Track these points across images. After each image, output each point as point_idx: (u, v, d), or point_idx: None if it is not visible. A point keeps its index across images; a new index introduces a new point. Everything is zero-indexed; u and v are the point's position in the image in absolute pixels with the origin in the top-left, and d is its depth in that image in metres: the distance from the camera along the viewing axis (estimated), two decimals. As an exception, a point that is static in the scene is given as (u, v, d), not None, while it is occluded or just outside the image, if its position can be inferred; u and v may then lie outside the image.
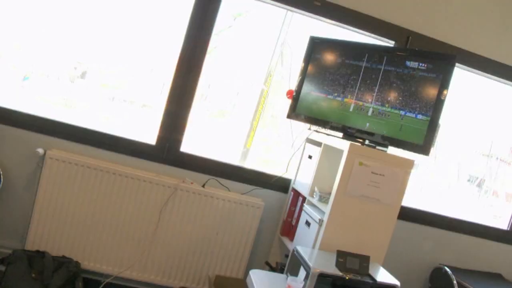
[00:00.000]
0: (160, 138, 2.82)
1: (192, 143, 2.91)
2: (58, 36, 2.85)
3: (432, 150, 2.24)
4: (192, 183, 2.79)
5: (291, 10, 2.95)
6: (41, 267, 2.43)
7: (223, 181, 2.87)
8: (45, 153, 2.59)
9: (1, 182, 2.60)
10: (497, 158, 3.69)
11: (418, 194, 3.42)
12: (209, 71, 2.93)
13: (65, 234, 2.64)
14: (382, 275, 2.06)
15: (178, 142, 2.84)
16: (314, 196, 2.50)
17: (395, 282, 2.01)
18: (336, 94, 2.57)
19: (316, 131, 2.72)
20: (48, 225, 2.61)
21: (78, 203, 2.64)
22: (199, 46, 2.79)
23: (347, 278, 1.92)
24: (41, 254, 2.51)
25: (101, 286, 2.71)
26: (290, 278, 2.01)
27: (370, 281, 1.96)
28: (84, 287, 2.54)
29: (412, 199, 3.12)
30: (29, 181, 2.66)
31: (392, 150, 2.36)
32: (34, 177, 2.65)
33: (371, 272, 2.02)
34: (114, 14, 2.88)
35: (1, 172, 2.60)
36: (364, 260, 2.03)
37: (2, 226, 2.65)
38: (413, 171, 2.31)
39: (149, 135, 2.83)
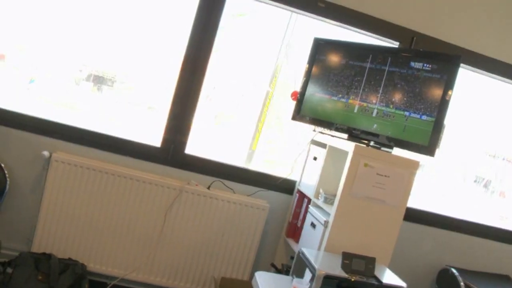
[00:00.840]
0: (165, 140, 2.83)
1: (197, 145, 2.91)
2: (63, 39, 2.86)
3: (438, 151, 2.23)
4: (197, 185, 2.79)
5: (295, 12, 2.95)
6: (48, 269, 2.44)
7: (228, 183, 2.87)
8: (50, 156, 2.60)
9: (8, 185, 2.62)
10: (503, 159, 3.67)
11: (424, 195, 3.41)
12: (214, 73, 2.94)
13: (71, 237, 2.65)
14: (388, 277, 2.06)
15: (183, 144, 2.85)
16: (319, 197, 2.50)
17: (402, 284, 2.00)
18: (340, 96, 2.57)
19: (321, 132, 2.71)
20: (54, 227, 2.62)
21: (84, 205, 2.65)
22: (203, 47, 2.80)
23: (352, 280, 1.92)
24: (47, 256, 2.53)
25: (107, 288, 2.72)
26: (295, 280, 2.01)
27: (376, 283, 1.95)
28: (90, 289, 2.56)
29: (418, 201, 3.10)
30: (35, 184, 2.68)
31: (397, 151, 2.35)
32: (40, 180, 2.66)
33: (377, 273, 2.02)
34: (118, 17, 2.89)
35: (8, 175, 2.62)
36: (369, 262, 2.02)
37: (8, 229, 2.66)
38: (418, 172, 2.31)
39: (154, 137, 2.84)
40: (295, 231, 2.77)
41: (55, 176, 2.59)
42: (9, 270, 2.42)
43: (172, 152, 2.83)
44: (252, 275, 2.49)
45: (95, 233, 2.68)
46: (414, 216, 3.08)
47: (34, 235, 2.61)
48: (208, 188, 2.80)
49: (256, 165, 3.06)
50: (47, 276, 2.42)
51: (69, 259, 2.61)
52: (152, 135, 2.85)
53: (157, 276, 2.76)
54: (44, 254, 2.56)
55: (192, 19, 2.78)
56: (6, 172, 2.61)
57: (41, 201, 2.61)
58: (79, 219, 2.65)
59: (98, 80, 3.02)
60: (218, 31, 2.82)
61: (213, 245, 2.81)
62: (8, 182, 2.62)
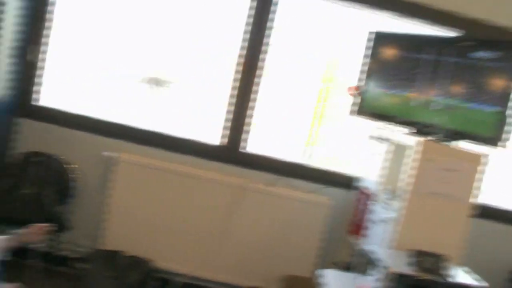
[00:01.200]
0: (225, 139, 2.88)
1: (256, 142, 2.94)
2: (123, 42, 2.95)
3: (508, 143, 2.15)
4: (258, 183, 2.81)
5: (348, 6, 2.89)
6: (117, 266, 2.55)
7: (289, 180, 2.86)
8: (116, 157, 2.71)
9: (78, 185, 2.75)
10: None
11: (498, 191, 3.24)
12: (271, 70, 2.94)
13: (139, 234, 2.75)
14: (462, 276, 1.98)
15: (243, 142, 2.89)
16: (382, 193, 2.45)
17: (483, 284, 1.92)
18: (401, 89, 2.51)
19: (382, 127, 2.66)
20: (122, 225, 2.73)
21: (149, 204, 2.75)
22: (260, 45, 2.83)
23: (426, 279, 1.85)
24: (116, 254, 2.63)
25: (178, 285, 2.79)
26: (361, 277, 1.99)
27: (452, 282, 1.88)
28: (157, 286, 2.64)
29: (491, 196, 2.95)
30: (103, 184, 2.79)
31: (463, 144, 2.27)
32: (107, 180, 2.77)
33: (449, 272, 1.95)
34: (174, 19, 2.95)
35: (78, 175, 2.74)
36: (441, 260, 1.95)
37: (80, 227, 2.78)
38: (486, 165, 2.21)
39: (214, 136, 2.89)
40: (358, 228, 2.73)
41: (122, 176, 2.71)
42: (82, 266, 2.55)
43: (232, 151, 2.87)
44: (315, 273, 2.50)
45: (161, 230, 2.76)
46: (488, 213, 2.89)
47: (104, 233, 2.73)
48: (270, 186, 2.81)
49: (315, 161, 3.04)
50: (117, 272, 2.52)
51: (137, 256, 2.69)
52: (213, 133, 2.90)
53: (221, 273, 2.81)
54: (113, 251, 2.66)
55: (247, 17, 2.81)
56: (77, 172, 2.74)
57: (109, 200, 2.72)
58: (145, 218, 2.75)
59: (156, 82, 3.09)
60: (272, 30, 2.84)
61: (276, 242, 2.82)
62: (79, 183, 2.75)
